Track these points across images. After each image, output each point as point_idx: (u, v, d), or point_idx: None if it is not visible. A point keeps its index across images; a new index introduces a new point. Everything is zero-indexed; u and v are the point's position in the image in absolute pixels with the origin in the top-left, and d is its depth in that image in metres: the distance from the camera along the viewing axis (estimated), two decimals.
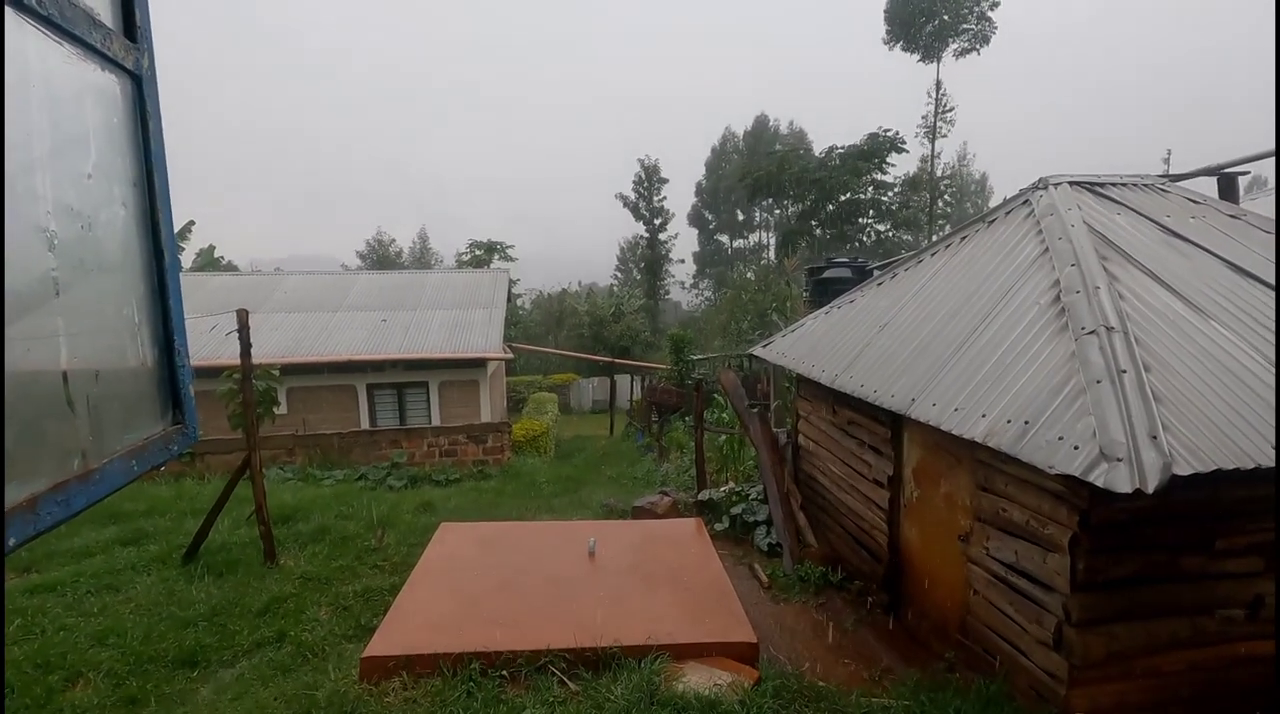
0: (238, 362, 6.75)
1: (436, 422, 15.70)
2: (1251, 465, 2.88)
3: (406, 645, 4.29)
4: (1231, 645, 3.57)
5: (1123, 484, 2.77)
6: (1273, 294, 3.98)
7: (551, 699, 3.85)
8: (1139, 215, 4.81)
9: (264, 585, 6.05)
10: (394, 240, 51.63)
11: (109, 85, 1.08)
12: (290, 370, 13.94)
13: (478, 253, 38.28)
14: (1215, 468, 2.85)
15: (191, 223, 28.70)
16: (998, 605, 4.05)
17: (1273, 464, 2.90)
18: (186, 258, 29.30)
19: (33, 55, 0.84)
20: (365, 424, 15.50)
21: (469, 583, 5.30)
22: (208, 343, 14.54)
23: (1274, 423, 3.08)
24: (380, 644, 4.35)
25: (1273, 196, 9.06)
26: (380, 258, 49.31)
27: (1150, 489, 2.73)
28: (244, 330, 6.47)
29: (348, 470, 12.18)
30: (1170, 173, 6.70)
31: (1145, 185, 5.31)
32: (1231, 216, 4.90)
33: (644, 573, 5.52)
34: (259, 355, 9.11)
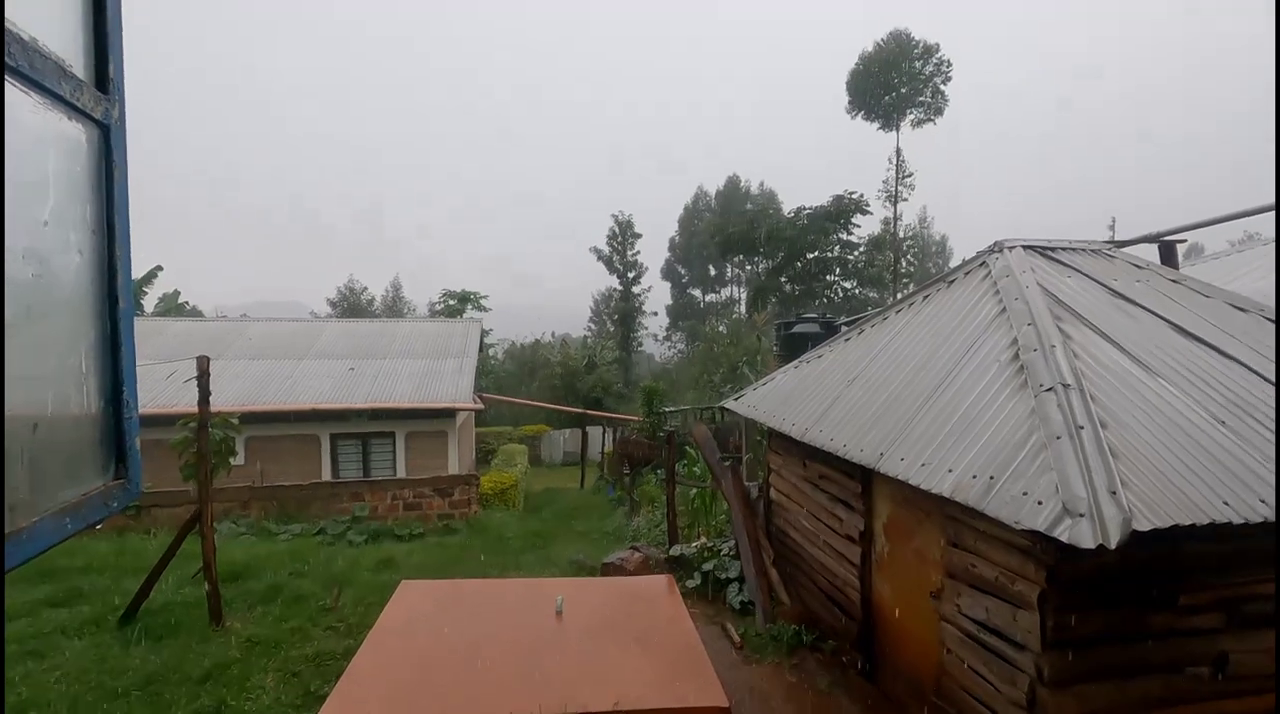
0: (194, 409, 6.52)
1: (402, 473, 15.26)
2: (1207, 521, 2.95)
3: None
4: (1202, 705, 3.56)
5: (1086, 540, 2.80)
6: (1215, 354, 4.18)
7: None
8: (1088, 278, 5.05)
9: (206, 650, 5.67)
10: (366, 288, 51.35)
11: (76, 134, 1.07)
12: (251, 419, 13.48)
13: (451, 302, 38.19)
14: (1173, 524, 2.90)
15: (158, 268, 28.18)
16: (971, 665, 4.00)
17: (1226, 520, 2.97)
18: (149, 302, 28.61)
19: None
20: (327, 475, 14.98)
21: (428, 646, 5.04)
22: (164, 390, 14.07)
23: (1227, 480, 3.18)
24: None
25: (1210, 264, 9.64)
26: (352, 306, 48.85)
27: (1112, 544, 2.76)
28: (203, 377, 6.28)
29: (306, 524, 11.67)
30: (1115, 239, 7.10)
31: (1093, 250, 5.60)
32: (1173, 281, 5.18)
33: (613, 633, 5.32)
34: (219, 403, 8.82)
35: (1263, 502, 3.09)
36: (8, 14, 0.90)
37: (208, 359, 6.36)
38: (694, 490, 10.62)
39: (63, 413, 1.04)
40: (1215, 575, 3.56)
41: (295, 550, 9.19)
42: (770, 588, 6.59)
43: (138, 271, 28.18)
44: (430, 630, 5.35)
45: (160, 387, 14.19)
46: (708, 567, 7.50)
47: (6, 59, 0.84)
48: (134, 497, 1.23)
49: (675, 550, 8.16)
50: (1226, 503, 3.05)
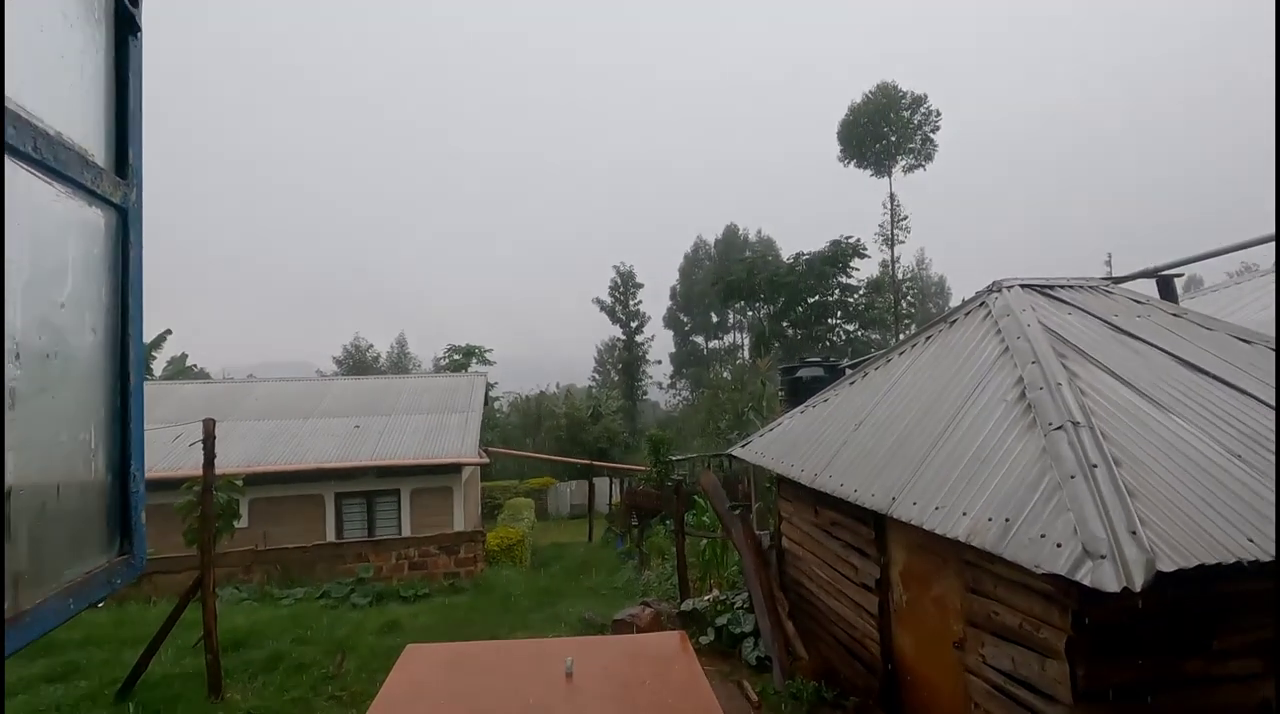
0: (199, 472, 6.49)
1: (407, 531, 15.02)
2: (1232, 559, 2.87)
3: None
4: None
5: (1109, 583, 2.72)
6: (1223, 387, 4.15)
7: None
8: (1088, 314, 5.07)
9: None
10: (371, 346, 51.83)
11: (94, 219, 1.11)
12: (255, 480, 13.39)
13: (456, 357, 38.41)
14: (1198, 563, 2.82)
15: (167, 332, 28.59)
16: None
17: (1253, 558, 2.89)
18: (157, 366, 28.90)
19: (21, 195, 0.88)
20: (331, 535, 14.76)
21: (435, 713, 4.85)
22: (170, 453, 14.02)
23: (1248, 515, 3.10)
24: None
25: (1210, 296, 9.68)
26: (357, 363, 49.19)
27: (1137, 587, 2.68)
28: (209, 440, 6.28)
29: (309, 588, 11.43)
30: (1112, 274, 7.16)
31: (1091, 287, 5.64)
32: (1174, 315, 5.19)
33: (626, 695, 5.12)
34: (224, 464, 8.79)
35: (1274, 540, 3.00)
36: (33, 107, 0.96)
37: (213, 422, 6.37)
38: (704, 541, 10.41)
39: (70, 489, 1.04)
40: (1248, 617, 3.43)
41: (298, 615, 8.97)
42: (787, 642, 6.37)
43: (146, 336, 28.63)
44: (437, 697, 5.16)
45: (165, 450, 14.16)
46: (721, 621, 7.27)
47: (33, 153, 0.89)
48: (138, 571, 1.21)
49: (687, 605, 7.94)
50: (1251, 540, 2.97)
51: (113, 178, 1.15)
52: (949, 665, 4.36)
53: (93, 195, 1.08)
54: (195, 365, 33.35)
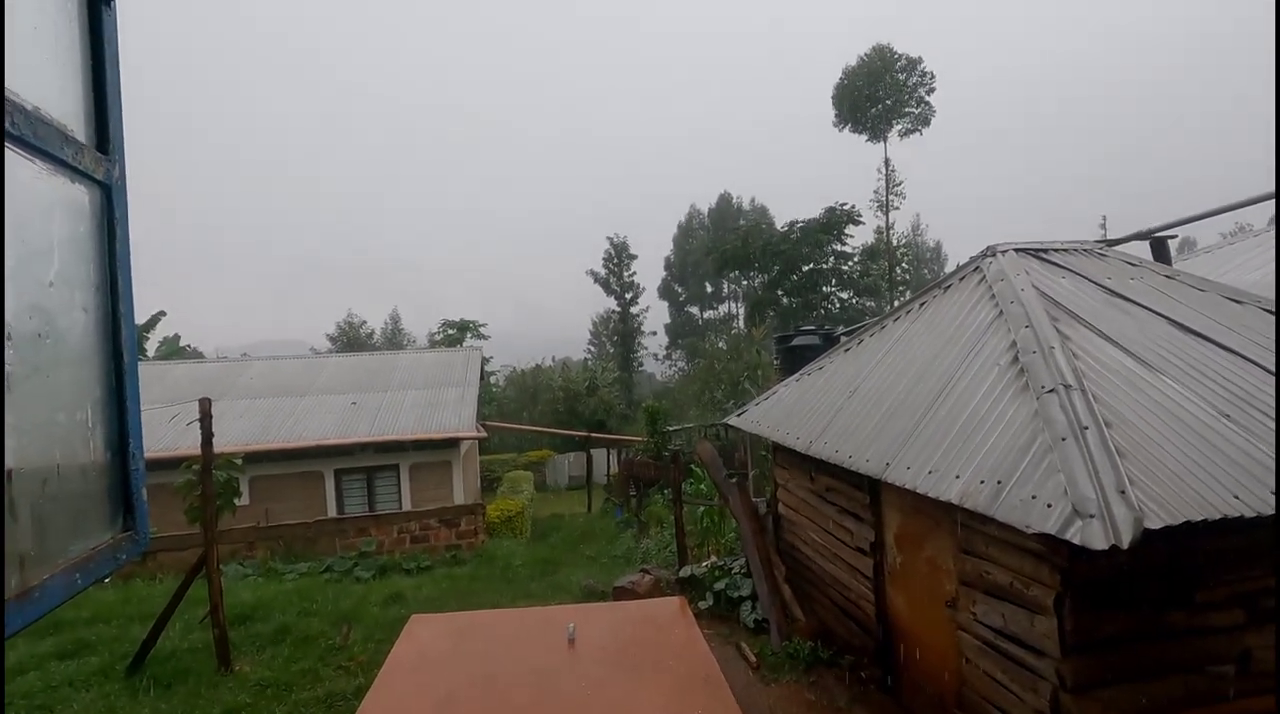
0: (198, 451, 6.51)
1: (408, 505, 15.16)
2: (1218, 516, 2.93)
3: None
4: (1225, 705, 3.51)
5: (1098, 540, 2.79)
6: (1214, 348, 4.18)
7: None
8: (1082, 278, 5.08)
9: (216, 695, 5.60)
10: (365, 322, 51.50)
11: (78, 196, 1.10)
12: (254, 458, 13.46)
13: (450, 332, 38.29)
14: (1184, 520, 2.89)
15: (161, 313, 28.37)
16: (991, 674, 3.94)
17: (1239, 514, 2.95)
18: (151, 346, 28.73)
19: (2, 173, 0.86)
20: (332, 511, 14.89)
21: (441, 680, 4.97)
22: (167, 433, 14.06)
23: (1235, 473, 3.17)
24: None
25: (1203, 258, 9.69)
26: (351, 340, 48.97)
27: (1125, 544, 2.75)
28: (206, 419, 6.29)
29: (313, 562, 11.58)
30: (1106, 238, 7.15)
31: (1085, 250, 5.64)
32: (1167, 277, 5.20)
33: (627, 659, 5.25)
34: (222, 444, 8.81)
35: (1273, 493, 3.07)
36: (10, 83, 0.93)
37: (209, 401, 6.37)
38: (701, 509, 10.55)
39: (71, 469, 1.05)
40: (1231, 571, 3.53)
41: (302, 589, 9.11)
42: (784, 605, 6.51)
43: (140, 316, 28.38)
44: (442, 664, 5.28)
45: (163, 430, 14.18)
46: (719, 586, 7.42)
47: (10, 128, 0.87)
48: (142, 548, 1.23)
49: (686, 571, 8.08)
50: (1237, 496, 3.04)
51: (94, 153, 1.13)
52: (941, 624, 4.48)
53: (75, 172, 1.06)
54: (189, 345, 33.18)
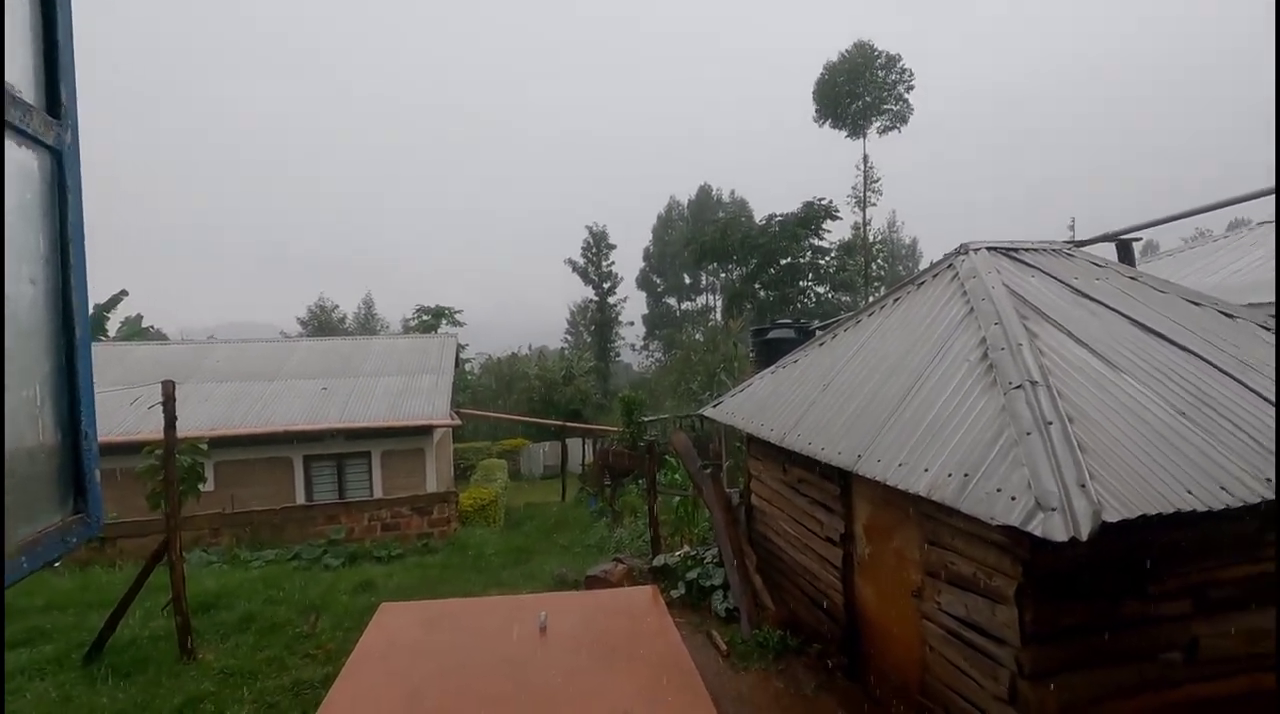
0: (160, 436, 6.33)
1: (379, 493, 14.99)
2: (1173, 510, 3.04)
3: None
4: (1174, 690, 3.65)
5: (1058, 533, 2.86)
6: (1173, 348, 4.32)
7: None
8: (1050, 277, 5.20)
9: (178, 684, 5.48)
10: (337, 306, 50.62)
11: (26, 161, 1.04)
12: (220, 443, 13.17)
13: (425, 318, 37.80)
14: (1140, 514, 2.98)
15: (123, 292, 27.44)
16: (954, 662, 4.05)
17: (1190, 509, 3.06)
18: (111, 327, 27.80)
19: None
20: (301, 498, 14.65)
21: (410, 669, 4.94)
22: (129, 416, 13.66)
23: (1189, 470, 3.28)
24: None
25: (1167, 260, 9.98)
26: (323, 325, 48.06)
27: (1083, 536, 2.83)
28: (169, 402, 6.11)
29: (280, 550, 11.39)
30: (1074, 239, 7.32)
31: (1054, 250, 5.76)
32: (1131, 278, 5.35)
33: (599, 647, 5.27)
34: (187, 428, 8.58)
35: (1223, 489, 3.19)
36: None
37: (173, 384, 6.19)
38: (676, 499, 10.61)
39: (17, 448, 1.00)
40: (1182, 563, 3.66)
41: (269, 577, 8.95)
42: (755, 594, 6.59)
43: (100, 296, 27.40)
44: (412, 653, 5.24)
45: (124, 413, 13.77)
46: (691, 575, 7.48)
47: None
48: (94, 532, 1.18)
49: (659, 560, 8.13)
50: (1190, 491, 3.15)
51: (44, 117, 1.06)
52: (907, 613, 4.58)
53: (23, 135, 1.00)
54: (152, 326, 32.17)
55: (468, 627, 5.78)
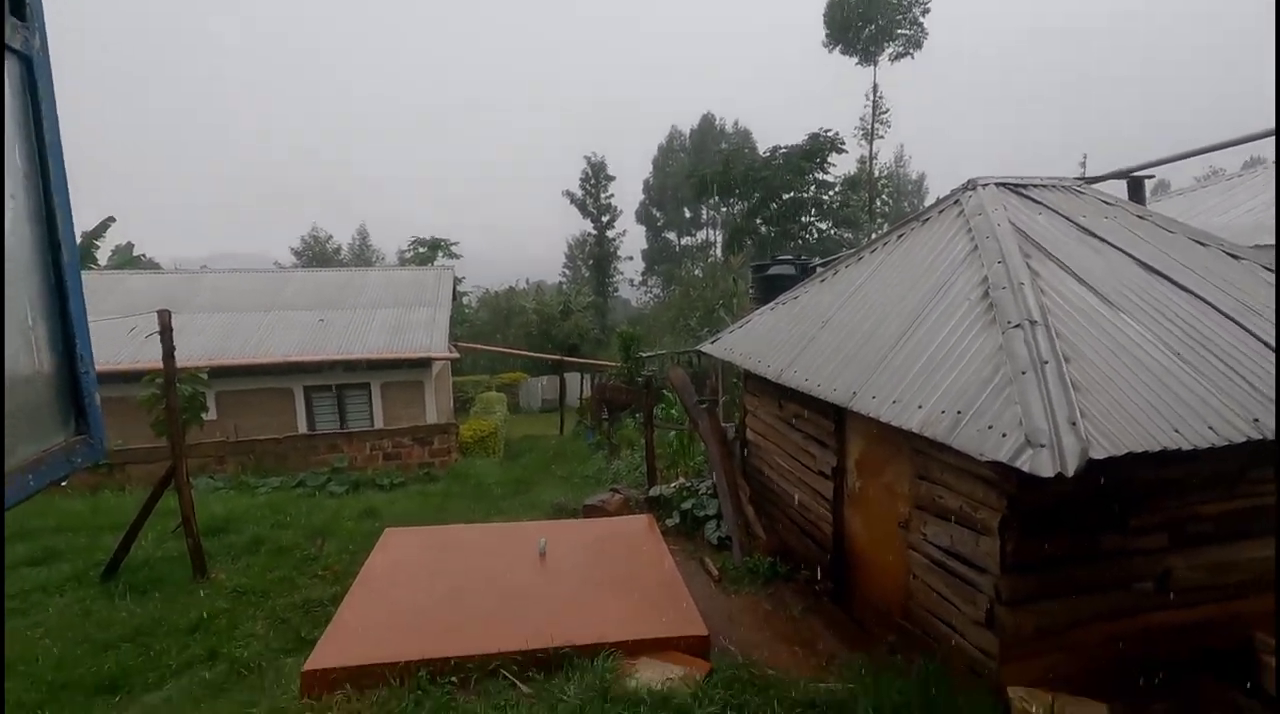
0: (159, 365, 6.36)
1: (380, 424, 15.21)
2: (1159, 448, 3.10)
3: (350, 657, 4.15)
4: (1145, 616, 3.85)
5: (1045, 469, 2.93)
6: (1176, 289, 4.29)
7: (503, 703, 3.80)
8: (1058, 215, 5.10)
9: (193, 601, 5.74)
10: (331, 237, 49.77)
11: None
12: (219, 373, 13.24)
13: (421, 250, 37.27)
14: (1126, 451, 3.05)
15: (110, 219, 26.84)
16: (935, 589, 4.23)
17: (1176, 447, 3.13)
18: (102, 256, 27.37)
19: None
20: (303, 428, 14.88)
21: (415, 590, 5.16)
22: (127, 346, 13.65)
23: (1179, 409, 3.33)
24: (322, 656, 4.19)
25: (1175, 200, 9.78)
26: (317, 256, 47.41)
27: (1070, 472, 2.90)
28: (166, 332, 6.10)
29: (284, 477, 11.68)
30: (1085, 175, 7.14)
31: (1064, 187, 5.63)
32: (1139, 217, 5.25)
33: (595, 572, 5.50)
34: (184, 358, 8.61)
35: (1210, 429, 3.24)
36: None
37: (169, 313, 6.16)
38: (672, 433, 10.81)
39: (13, 370, 0.99)
40: (1163, 499, 3.78)
41: (275, 503, 9.21)
42: (747, 524, 6.82)
43: (87, 223, 26.84)
44: (416, 574, 5.47)
45: (122, 343, 13.76)
46: (686, 505, 7.71)
47: None
48: (98, 452, 1.20)
49: (654, 491, 8.36)
50: (1177, 430, 3.20)
51: (10, 20, 1.00)
52: (893, 543, 4.75)
53: None
54: (144, 255, 31.67)
55: (470, 550, 6.01)
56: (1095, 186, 5.90)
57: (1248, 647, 3.90)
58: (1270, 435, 3.29)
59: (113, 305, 15.51)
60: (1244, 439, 3.25)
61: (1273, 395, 3.49)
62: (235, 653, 4.82)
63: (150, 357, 10.77)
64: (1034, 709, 3.43)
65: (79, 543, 7.40)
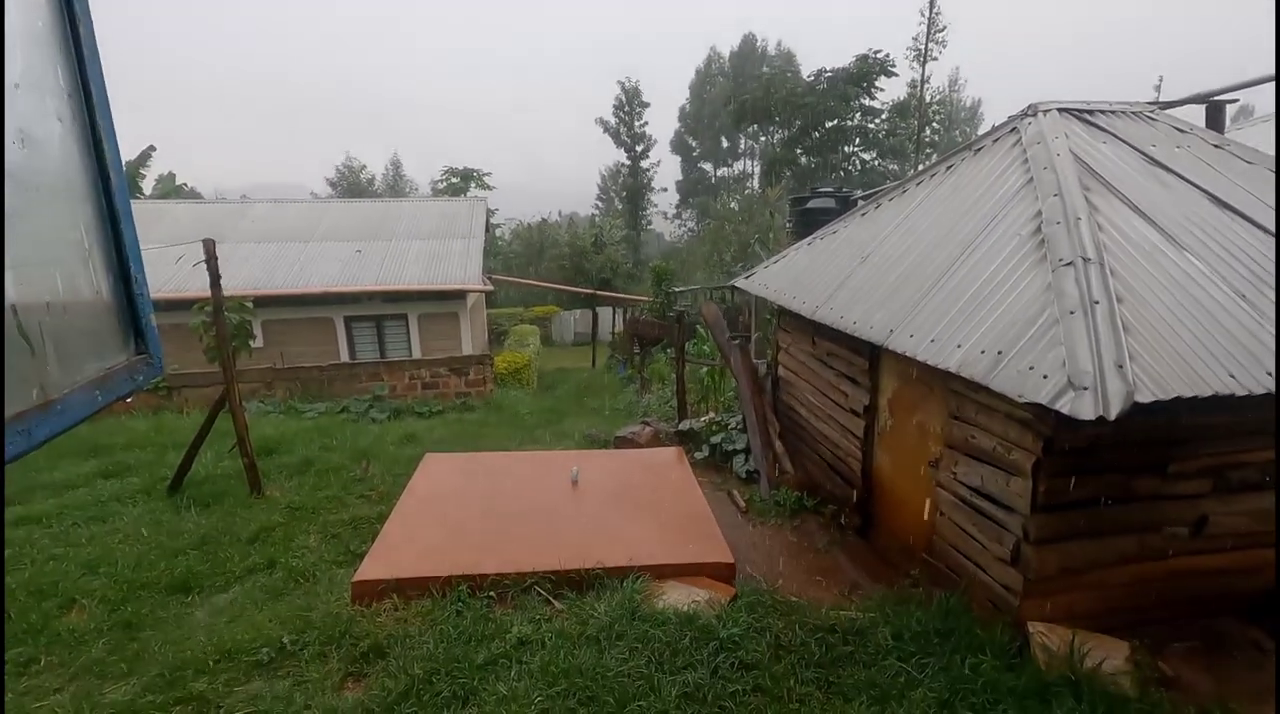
0: (208, 293, 6.57)
1: (417, 354, 15.62)
2: (1209, 393, 2.99)
3: (396, 569, 4.44)
4: (1173, 560, 3.83)
5: (1086, 411, 2.87)
6: (1248, 226, 4.01)
7: (538, 617, 4.04)
8: (1125, 144, 4.76)
9: (251, 515, 6.15)
10: (365, 167, 49.65)
11: None
12: (264, 302, 13.65)
13: (454, 181, 37.00)
14: (1175, 396, 2.95)
15: (151, 148, 27.22)
16: (962, 526, 4.27)
17: (1228, 392, 3.01)
18: (146, 185, 27.95)
19: None
20: (344, 357, 15.38)
21: (455, 511, 5.44)
22: (175, 274, 14.10)
23: (1236, 352, 3.18)
24: (370, 568, 4.49)
25: (1261, 126, 8.99)
26: (351, 186, 47.52)
27: (1112, 416, 2.83)
28: (212, 261, 6.27)
29: (329, 403, 12.18)
30: (1160, 100, 6.59)
31: (1134, 113, 5.22)
32: (1216, 146, 4.86)
33: (626, 499, 5.69)
34: (230, 287, 8.87)
35: (1269, 374, 3.10)
36: None
37: (213, 242, 6.31)
38: (703, 368, 10.85)
39: (73, 292, 1.04)
40: (1209, 445, 3.68)
41: (322, 427, 9.67)
42: (775, 458, 6.91)
43: (130, 152, 27.28)
44: (456, 496, 5.75)
45: (170, 271, 14.21)
46: (716, 439, 7.83)
47: None
48: (157, 371, 1.26)
49: (684, 425, 8.49)
50: (1232, 375, 3.07)
51: None
52: (921, 481, 4.77)
53: None
54: (185, 184, 32.22)
55: (506, 475, 6.26)
56: (1171, 112, 5.46)
57: (1275, 589, 3.88)
58: None
59: (159, 234, 15.95)
60: None
61: None
62: (292, 563, 5.20)
63: (197, 285, 11.14)
64: (1054, 643, 3.51)
65: (146, 459, 7.94)
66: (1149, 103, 5.55)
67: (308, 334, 15.34)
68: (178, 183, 30.41)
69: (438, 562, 4.53)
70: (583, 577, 4.42)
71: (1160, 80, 14.40)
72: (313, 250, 16.56)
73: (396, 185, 50.70)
